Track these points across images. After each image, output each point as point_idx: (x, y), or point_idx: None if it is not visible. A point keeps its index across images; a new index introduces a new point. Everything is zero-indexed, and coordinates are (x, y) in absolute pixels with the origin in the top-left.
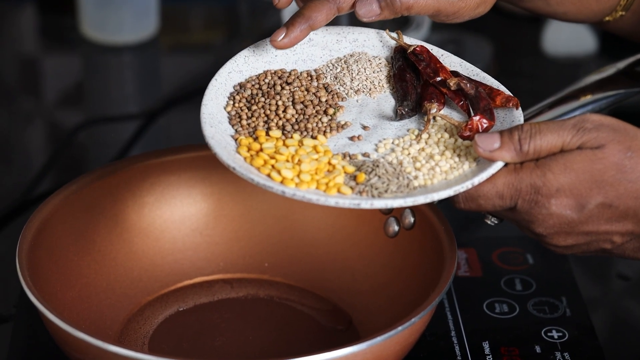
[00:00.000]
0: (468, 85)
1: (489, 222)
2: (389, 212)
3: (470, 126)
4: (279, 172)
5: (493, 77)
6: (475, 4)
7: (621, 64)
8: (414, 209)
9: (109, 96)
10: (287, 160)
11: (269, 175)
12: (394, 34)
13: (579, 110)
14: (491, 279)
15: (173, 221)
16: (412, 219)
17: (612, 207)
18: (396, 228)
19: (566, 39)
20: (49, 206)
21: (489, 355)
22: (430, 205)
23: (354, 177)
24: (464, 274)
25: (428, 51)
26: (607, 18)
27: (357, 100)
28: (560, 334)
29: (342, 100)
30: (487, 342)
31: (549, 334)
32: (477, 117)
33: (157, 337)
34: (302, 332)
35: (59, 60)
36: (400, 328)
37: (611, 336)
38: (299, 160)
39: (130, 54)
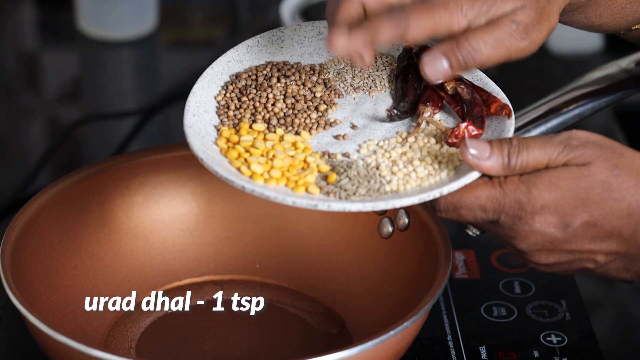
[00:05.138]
0: (465, 90)
1: (470, 232)
2: (382, 213)
3: (456, 132)
4: (249, 166)
5: (497, 75)
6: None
7: (623, 62)
8: (408, 210)
9: (107, 92)
10: (262, 155)
11: (239, 169)
12: None
13: (577, 110)
14: (489, 282)
15: (162, 221)
16: (406, 220)
17: (596, 226)
18: (390, 229)
19: (571, 36)
20: (33, 206)
21: None
22: (426, 206)
23: (326, 177)
24: (462, 276)
25: None
26: (635, 27)
27: (354, 98)
28: (560, 338)
29: (338, 97)
30: (484, 346)
31: (547, 338)
32: (464, 124)
33: (145, 341)
34: (295, 336)
35: (56, 56)
36: (392, 332)
37: (612, 341)
38: (273, 156)
39: (128, 49)
